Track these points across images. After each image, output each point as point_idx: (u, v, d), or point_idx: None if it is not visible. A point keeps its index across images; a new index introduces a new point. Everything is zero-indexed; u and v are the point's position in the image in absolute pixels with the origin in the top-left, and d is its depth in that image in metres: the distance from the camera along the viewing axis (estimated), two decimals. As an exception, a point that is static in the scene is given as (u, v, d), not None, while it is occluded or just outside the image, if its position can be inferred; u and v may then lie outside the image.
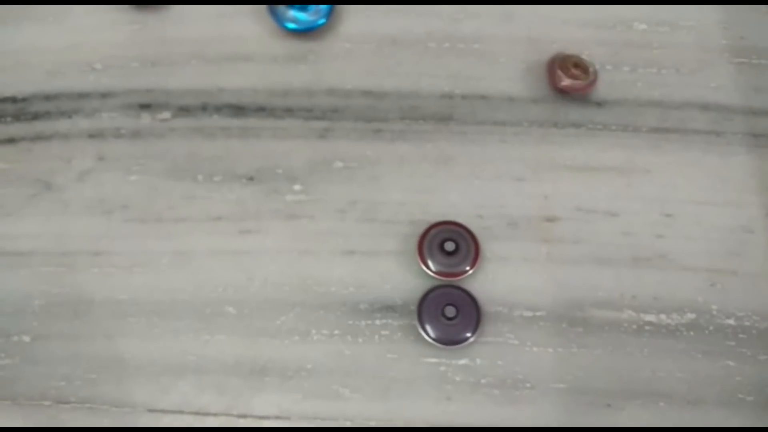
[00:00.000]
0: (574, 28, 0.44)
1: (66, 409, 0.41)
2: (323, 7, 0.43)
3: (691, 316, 0.41)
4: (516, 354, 0.41)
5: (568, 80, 0.42)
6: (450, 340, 0.40)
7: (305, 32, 0.44)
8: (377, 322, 0.41)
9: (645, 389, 0.41)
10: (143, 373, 0.41)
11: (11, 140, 0.43)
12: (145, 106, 0.44)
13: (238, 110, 0.44)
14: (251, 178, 0.43)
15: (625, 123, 0.43)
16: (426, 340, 0.40)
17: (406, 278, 0.42)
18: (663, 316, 0.41)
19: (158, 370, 0.41)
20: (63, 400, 0.41)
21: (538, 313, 0.41)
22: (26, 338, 0.41)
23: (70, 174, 0.43)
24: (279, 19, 0.43)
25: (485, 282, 0.42)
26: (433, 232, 0.42)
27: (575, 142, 0.43)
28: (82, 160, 0.43)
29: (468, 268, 0.41)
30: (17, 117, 0.44)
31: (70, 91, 0.44)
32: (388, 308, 0.42)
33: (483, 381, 0.41)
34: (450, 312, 0.40)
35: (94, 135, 0.43)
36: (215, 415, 0.41)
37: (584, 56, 0.44)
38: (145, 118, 0.44)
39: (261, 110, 0.44)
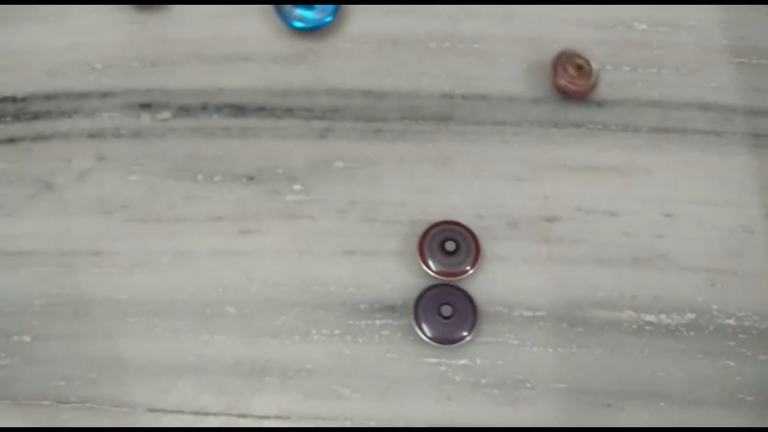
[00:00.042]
0: (574, 28, 0.44)
1: (66, 409, 0.41)
2: (329, 5, 0.43)
3: (691, 316, 0.41)
4: (516, 354, 0.41)
5: (567, 82, 0.42)
6: (446, 339, 0.40)
7: (312, 30, 0.44)
8: (377, 322, 0.41)
9: (645, 389, 0.41)
10: (143, 373, 0.41)
11: (11, 140, 0.43)
12: (145, 106, 0.44)
13: (238, 110, 0.44)
14: (251, 178, 0.43)
15: (625, 123, 0.43)
16: (424, 340, 0.40)
17: (406, 278, 0.42)
18: (663, 316, 0.41)
19: (158, 370, 0.41)
20: (63, 400, 0.41)
21: (538, 313, 0.41)
22: (26, 338, 0.41)
23: (70, 174, 0.43)
24: (286, 19, 0.43)
25: (485, 282, 0.42)
26: (433, 231, 0.42)
27: (575, 142, 0.43)
28: (82, 160, 0.43)
29: (468, 268, 0.41)
30: (17, 117, 0.44)
31: (70, 90, 0.44)
32: (388, 308, 0.42)
33: (483, 381, 0.41)
34: (446, 311, 0.40)
35: (94, 135, 0.43)
36: (215, 415, 0.41)
37: (586, 57, 0.43)
38: (145, 118, 0.44)
39: (261, 110, 0.44)
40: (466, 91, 0.44)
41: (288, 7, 0.43)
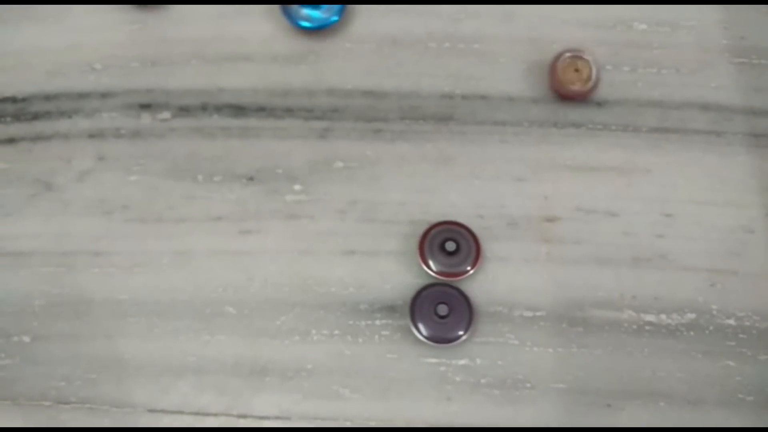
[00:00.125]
0: (574, 28, 0.44)
1: (66, 410, 0.41)
2: (335, 5, 0.44)
3: (691, 316, 0.41)
4: (516, 354, 0.41)
5: (565, 86, 0.42)
6: (442, 338, 0.40)
7: (318, 30, 0.44)
8: (377, 322, 0.41)
9: (645, 389, 0.41)
10: (143, 373, 0.41)
11: (11, 140, 0.43)
12: (145, 106, 0.44)
13: (238, 110, 0.44)
14: (251, 178, 0.43)
15: (625, 123, 0.43)
16: (420, 339, 0.40)
17: (406, 278, 0.42)
18: (663, 316, 0.41)
19: (158, 371, 0.41)
20: (63, 401, 0.41)
21: (538, 313, 0.41)
22: (26, 338, 0.41)
23: (70, 174, 0.43)
24: (292, 18, 0.43)
25: (485, 282, 0.42)
26: (434, 232, 0.42)
27: (575, 142, 0.43)
28: (82, 160, 0.43)
29: (469, 268, 0.41)
30: (17, 117, 0.44)
31: (70, 91, 0.44)
32: (388, 308, 0.42)
33: (483, 381, 0.41)
34: (442, 310, 0.40)
35: (94, 135, 0.43)
36: (215, 415, 0.41)
37: (586, 57, 0.43)
38: (145, 118, 0.44)
39: (261, 110, 0.44)
40: (466, 91, 0.44)
41: (294, 7, 0.43)
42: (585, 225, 0.42)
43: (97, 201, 0.43)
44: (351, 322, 0.41)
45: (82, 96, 0.44)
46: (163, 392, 0.41)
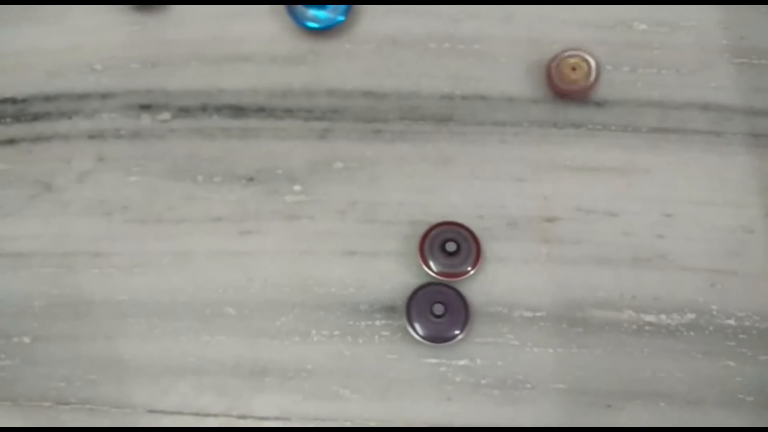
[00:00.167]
0: (574, 28, 0.44)
1: (66, 410, 0.41)
2: (341, 5, 0.44)
3: (691, 316, 0.41)
4: (516, 354, 0.41)
5: (561, 84, 0.42)
6: (439, 337, 0.40)
7: (324, 30, 0.44)
8: (377, 322, 0.41)
9: (645, 389, 0.41)
10: (143, 373, 0.41)
11: (11, 141, 0.43)
12: (145, 107, 0.44)
13: (238, 111, 0.44)
14: (251, 179, 0.43)
15: (625, 123, 0.43)
16: (417, 339, 0.40)
17: (406, 279, 0.42)
18: (663, 317, 0.41)
19: (158, 371, 0.41)
20: (63, 401, 0.41)
21: (538, 314, 0.41)
22: (26, 339, 0.41)
23: (70, 175, 0.43)
24: (298, 19, 0.43)
25: (485, 282, 0.42)
26: (434, 232, 0.42)
27: (575, 143, 0.43)
28: (82, 160, 0.43)
29: (469, 268, 0.41)
30: (17, 118, 0.44)
31: (70, 91, 0.44)
32: (388, 309, 0.42)
33: (483, 381, 0.41)
34: (438, 310, 0.40)
35: (94, 136, 0.43)
36: (215, 415, 0.41)
37: (584, 56, 0.43)
38: (145, 119, 0.44)
39: (261, 111, 0.44)
40: (466, 91, 0.44)
41: (300, 8, 0.43)
42: (585, 225, 0.42)
43: (97, 202, 0.43)
44: (351, 323, 0.41)
45: (82, 97, 0.44)
46: (163, 393, 0.41)
